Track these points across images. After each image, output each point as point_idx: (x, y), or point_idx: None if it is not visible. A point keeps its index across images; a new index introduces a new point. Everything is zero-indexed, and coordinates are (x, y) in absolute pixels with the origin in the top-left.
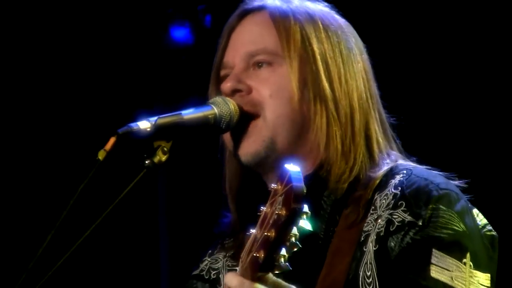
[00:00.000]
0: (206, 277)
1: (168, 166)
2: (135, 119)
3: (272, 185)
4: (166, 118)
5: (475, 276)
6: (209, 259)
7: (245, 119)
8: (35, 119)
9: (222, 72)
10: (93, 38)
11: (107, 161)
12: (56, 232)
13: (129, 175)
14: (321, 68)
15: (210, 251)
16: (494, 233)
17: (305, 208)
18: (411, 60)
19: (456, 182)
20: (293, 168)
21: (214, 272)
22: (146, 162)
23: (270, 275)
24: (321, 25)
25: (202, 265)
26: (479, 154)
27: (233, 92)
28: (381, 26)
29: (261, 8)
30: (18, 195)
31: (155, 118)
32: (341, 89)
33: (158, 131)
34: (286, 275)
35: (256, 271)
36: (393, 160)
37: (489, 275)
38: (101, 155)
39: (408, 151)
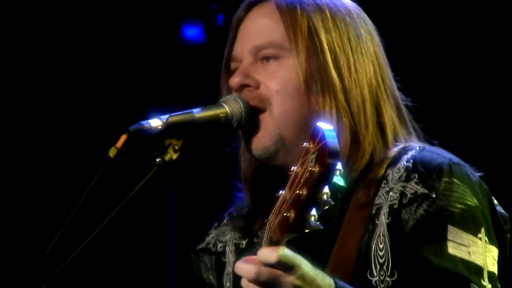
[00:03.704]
0: (213, 250)
1: (179, 164)
2: (146, 117)
3: (304, 143)
4: (177, 116)
5: (490, 251)
6: (215, 231)
7: (254, 114)
8: (47, 117)
9: (233, 65)
10: (106, 36)
11: (118, 158)
12: (67, 229)
13: (139, 173)
14: (329, 58)
15: (216, 224)
16: (504, 212)
17: (339, 165)
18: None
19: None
20: (326, 126)
21: (221, 244)
22: (157, 160)
23: (287, 252)
24: (328, 14)
25: (208, 238)
26: (493, 142)
27: (241, 87)
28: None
29: None
30: (29, 192)
31: (167, 116)
32: (351, 79)
33: (169, 129)
34: (299, 253)
35: (286, 231)
36: (407, 142)
37: (497, 250)
38: (112, 152)
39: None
